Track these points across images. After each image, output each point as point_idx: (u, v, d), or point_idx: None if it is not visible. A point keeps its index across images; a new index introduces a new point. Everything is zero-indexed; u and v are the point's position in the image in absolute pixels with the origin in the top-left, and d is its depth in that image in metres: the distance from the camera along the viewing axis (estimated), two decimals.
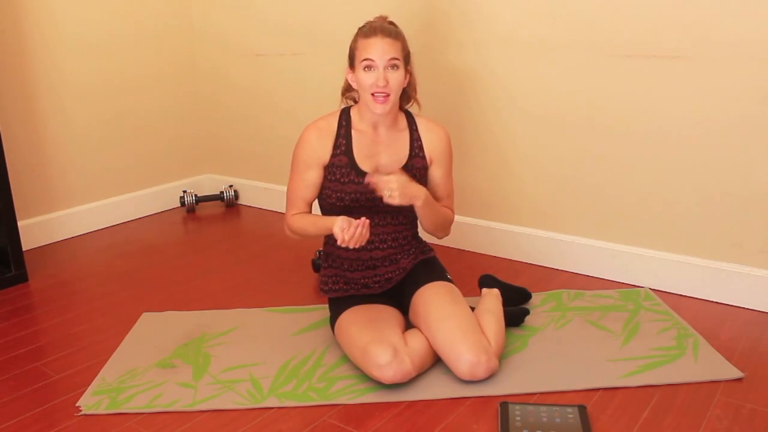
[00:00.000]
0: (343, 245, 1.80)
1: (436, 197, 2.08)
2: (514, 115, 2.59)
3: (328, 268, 2.09)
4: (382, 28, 1.92)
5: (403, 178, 1.86)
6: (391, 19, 2.02)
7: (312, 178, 2.00)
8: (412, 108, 2.10)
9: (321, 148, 1.99)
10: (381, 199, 1.96)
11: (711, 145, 2.21)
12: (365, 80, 1.90)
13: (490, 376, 1.83)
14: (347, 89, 2.06)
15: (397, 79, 1.90)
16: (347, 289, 2.03)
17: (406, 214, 2.03)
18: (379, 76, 1.87)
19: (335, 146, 1.99)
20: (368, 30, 1.93)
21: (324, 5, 3.03)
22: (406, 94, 2.05)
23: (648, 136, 2.32)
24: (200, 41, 3.56)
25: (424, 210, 1.94)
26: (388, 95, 1.89)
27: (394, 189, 1.82)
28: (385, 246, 2.03)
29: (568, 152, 2.51)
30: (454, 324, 1.84)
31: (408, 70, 1.98)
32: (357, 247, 1.82)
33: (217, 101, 3.61)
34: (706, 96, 2.19)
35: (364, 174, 1.96)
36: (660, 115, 2.28)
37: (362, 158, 1.99)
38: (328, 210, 2.03)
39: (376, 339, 1.79)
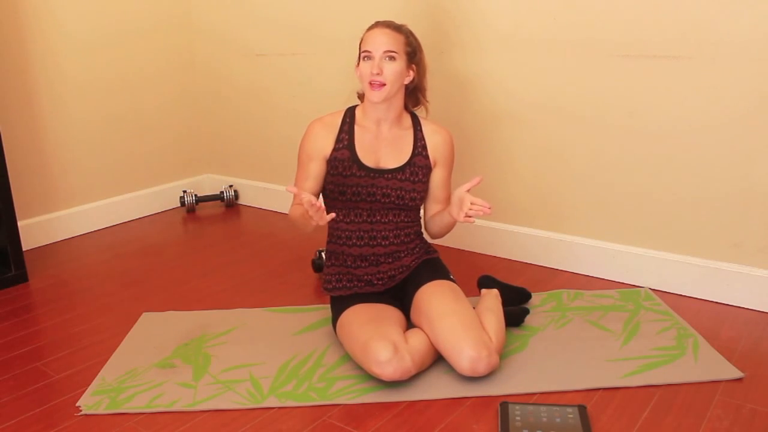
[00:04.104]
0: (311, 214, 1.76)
1: (438, 199, 2.11)
2: (515, 114, 2.59)
3: (332, 266, 2.09)
4: (385, 21, 1.99)
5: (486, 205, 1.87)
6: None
7: (314, 169, 2.02)
8: (420, 112, 2.12)
9: (323, 140, 2.02)
10: (382, 195, 1.98)
11: (711, 145, 2.22)
12: (363, 70, 1.96)
13: (491, 373, 1.83)
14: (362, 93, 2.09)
15: (393, 70, 1.93)
16: (351, 287, 2.04)
17: (408, 213, 2.05)
18: (373, 65, 1.92)
19: (337, 140, 2.02)
20: (373, 24, 2.00)
21: (324, 5, 3.03)
22: (414, 95, 2.07)
23: (648, 135, 2.32)
24: (200, 41, 3.56)
25: (452, 223, 2.01)
26: (384, 84, 1.92)
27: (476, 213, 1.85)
28: (387, 243, 2.03)
29: (568, 152, 2.51)
30: (455, 320, 1.84)
31: (412, 68, 2.00)
32: (317, 219, 1.76)
33: (217, 101, 3.61)
34: (705, 96, 2.19)
35: (365, 168, 1.99)
36: (660, 114, 2.28)
37: (364, 153, 2.01)
38: (331, 207, 2.05)
39: (376, 336, 1.80)
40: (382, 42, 1.93)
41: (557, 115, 2.50)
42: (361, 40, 2.00)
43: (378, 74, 1.91)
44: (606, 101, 2.38)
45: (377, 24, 1.99)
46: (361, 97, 2.10)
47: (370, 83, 1.93)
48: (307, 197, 1.73)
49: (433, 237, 2.14)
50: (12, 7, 2.84)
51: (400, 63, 1.94)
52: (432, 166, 2.07)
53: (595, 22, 2.34)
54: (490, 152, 2.69)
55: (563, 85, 2.46)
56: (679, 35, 2.19)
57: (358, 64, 1.99)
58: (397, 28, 1.98)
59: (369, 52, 1.94)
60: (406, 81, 2.00)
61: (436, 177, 2.09)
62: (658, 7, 2.21)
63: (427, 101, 2.12)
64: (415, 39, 2.02)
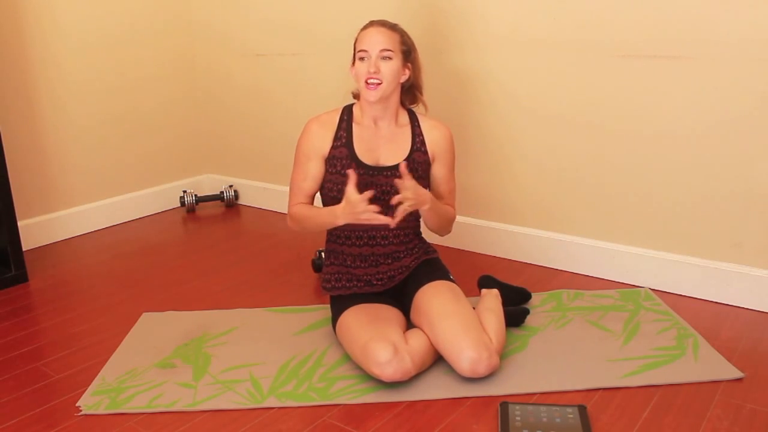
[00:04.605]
0: (369, 219, 1.81)
1: (438, 194, 2.10)
2: (514, 115, 2.59)
3: (331, 265, 2.09)
4: (378, 21, 1.99)
5: (412, 183, 1.86)
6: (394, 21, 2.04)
7: (312, 169, 2.02)
8: (418, 109, 2.12)
9: (321, 140, 2.02)
10: (381, 193, 1.98)
11: (711, 145, 2.22)
12: (359, 70, 1.95)
13: (491, 374, 1.83)
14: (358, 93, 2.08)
15: (389, 68, 1.93)
16: (350, 286, 2.04)
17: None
18: (370, 64, 1.92)
19: (335, 138, 2.01)
20: (367, 24, 2.00)
21: (324, 5, 3.03)
22: (411, 93, 2.07)
23: (648, 135, 2.32)
24: (200, 41, 3.56)
25: (431, 213, 1.97)
26: (380, 83, 1.92)
27: (409, 197, 1.83)
28: (386, 242, 2.03)
29: (568, 152, 2.51)
30: (455, 321, 1.84)
31: (407, 66, 2.00)
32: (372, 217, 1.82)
33: (217, 101, 3.61)
34: (706, 96, 2.19)
35: (364, 166, 1.98)
36: (660, 115, 2.28)
37: (363, 151, 2.01)
38: (329, 205, 2.04)
39: (376, 337, 1.80)
40: (378, 41, 1.93)
41: (557, 115, 2.50)
42: (356, 39, 1.99)
43: (375, 73, 1.91)
44: (605, 101, 2.38)
45: (372, 23, 1.98)
46: (356, 96, 2.10)
47: (366, 82, 1.93)
48: (363, 205, 1.79)
49: (440, 234, 2.13)
50: (12, 7, 2.84)
51: (396, 62, 1.94)
52: (431, 161, 2.07)
53: (594, 22, 2.34)
54: (489, 152, 2.69)
55: (563, 85, 2.46)
56: (679, 35, 2.19)
57: (353, 63, 1.99)
58: (392, 27, 1.98)
59: (365, 51, 1.94)
60: (402, 80, 2.00)
61: (436, 172, 2.08)
62: (658, 7, 2.21)
63: (424, 98, 2.11)
64: (409, 38, 2.02)
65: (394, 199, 1.83)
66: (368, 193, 1.81)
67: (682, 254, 2.35)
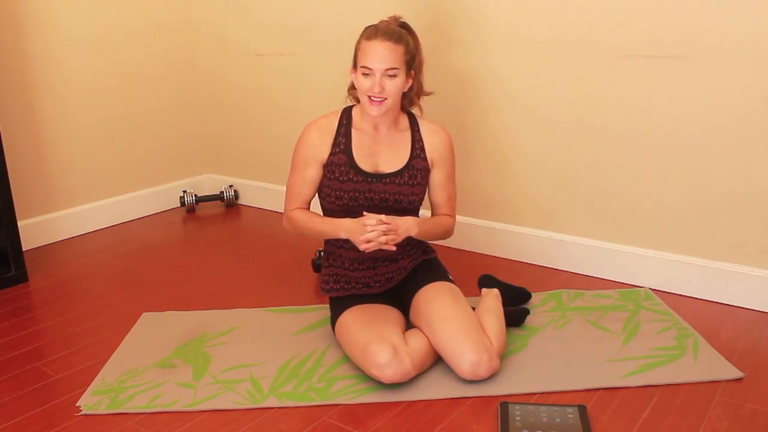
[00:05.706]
0: (369, 248, 1.83)
1: (436, 201, 2.09)
2: (515, 115, 2.59)
3: (329, 267, 2.09)
4: (384, 30, 1.89)
5: (388, 222, 1.84)
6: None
7: (310, 175, 2.01)
8: (414, 110, 2.10)
9: (320, 146, 2.00)
10: (380, 200, 1.97)
11: (711, 145, 2.22)
12: (363, 84, 1.90)
13: (492, 376, 1.83)
14: (352, 87, 2.05)
15: (394, 86, 1.88)
16: (348, 288, 2.03)
17: (405, 215, 2.02)
18: (374, 82, 1.87)
19: (334, 144, 2.00)
20: (371, 32, 1.90)
21: (324, 5, 3.03)
22: (409, 97, 2.04)
23: (648, 135, 2.32)
24: (200, 41, 3.56)
25: (421, 236, 1.97)
26: (384, 99, 1.89)
27: (390, 238, 1.85)
28: None
29: (569, 152, 2.51)
30: (456, 323, 1.84)
31: (411, 75, 1.95)
32: (385, 244, 1.84)
33: (217, 101, 3.61)
34: (706, 96, 2.19)
35: (363, 173, 1.97)
36: (660, 115, 2.29)
37: (362, 157, 1.99)
38: (328, 210, 2.04)
39: (376, 338, 1.80)
40: (383, 58, 1.85)
41: (557, 115, 2.50)
42: (358, 48, 1.92)
43: (380, 92, 1.87)
44: (605, 101, 2.38)
45: (377, 35, 1.88)
46: (352, 94, 2.06)
47: (370, 98, 1.89)
48: (376, 233, 1.82)
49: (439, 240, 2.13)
50: (12, 8, 2.84)
51: (401, 77, 1.89)
52: (430, 166, 2.05)
53: (594, 22, 2.34)
54: (489, 152, 2.69)
55: (563, 85, 2.46)
56: (679, 35, 2.19)
57: (355, 69, 1.93)
58: (398, 39, 1.88)
59: (369, 69, 1.87)
60: (406, 89, 1.96)
61: (435, 177, 2.06)
62: (658, 7, 2.21)
63: (420, 101, 2.07)
64: (413, 38, 1.96)
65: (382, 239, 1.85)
66: (381, 226, 1.83)
67: (682, 254, 2.35)
